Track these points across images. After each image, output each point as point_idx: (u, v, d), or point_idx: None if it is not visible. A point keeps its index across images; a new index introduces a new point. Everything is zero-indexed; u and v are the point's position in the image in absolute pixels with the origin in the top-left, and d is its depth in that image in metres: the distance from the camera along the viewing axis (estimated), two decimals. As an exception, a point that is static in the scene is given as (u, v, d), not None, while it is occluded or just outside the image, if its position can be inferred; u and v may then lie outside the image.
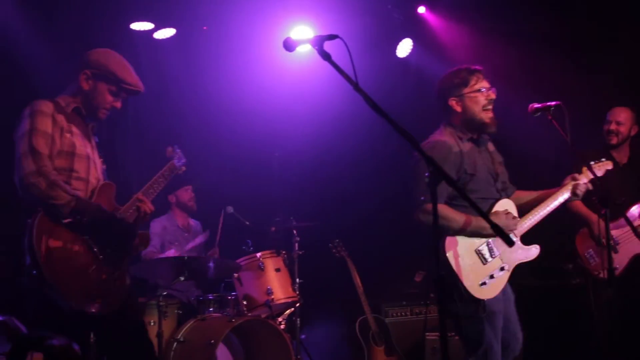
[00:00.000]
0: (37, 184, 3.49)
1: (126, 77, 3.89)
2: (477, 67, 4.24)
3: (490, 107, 4.17)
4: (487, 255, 4.09)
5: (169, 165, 4.25)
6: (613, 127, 5.71)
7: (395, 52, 7.69)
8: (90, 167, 3.81)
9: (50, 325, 3.45)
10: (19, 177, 3.54)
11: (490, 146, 4.38)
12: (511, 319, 4.22)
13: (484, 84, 4.19)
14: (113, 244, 3.73)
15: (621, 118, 5.73)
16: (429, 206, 4.00)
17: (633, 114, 5.77)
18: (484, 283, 4.03)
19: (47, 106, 3.69)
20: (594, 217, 5.21)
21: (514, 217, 4.14)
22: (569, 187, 4.27)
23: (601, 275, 5.37)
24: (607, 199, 4.07)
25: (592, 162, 4.42)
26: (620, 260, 5.39)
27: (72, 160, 3.71)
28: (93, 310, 3.57)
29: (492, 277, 4.05)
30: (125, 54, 6.95)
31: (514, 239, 4.12)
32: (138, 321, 4.00)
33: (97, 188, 3.81)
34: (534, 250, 4.24)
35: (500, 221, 3.97)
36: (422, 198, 4.04)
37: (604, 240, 5.05)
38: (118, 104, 3.93)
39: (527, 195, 4.43)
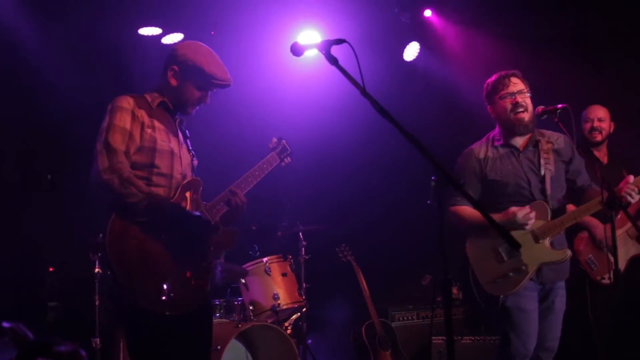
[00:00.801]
0: (109, 181, 3.36)
1: (215, 72, 3.68)
2: (507, 72, 4.35)
3: (519, 109, 4.24)
4: (504, 254, 4.15)
5: (269, 156, 4.09)
6: (596, 124, 5.70)
7: (402, 56, 7.69)
8: (174, 162, 3.64)
9: (129, 325, 3.47)
10: (92, 174, 3.41)
11: (560, 142, 4.39)
12: (545, 327, 4.25)
13: (509, 89, 4.28)
14: (191, 244, 3.56)
15: (601, 114, 5.74)
16: (451, 208, 4.33)
17: (609, 111, 5.78)
18: (496, 281, 4.13)
19: (127, 102, 3.56)
20: (594, 220, 5.20)
21: (531, 216, 4.12)
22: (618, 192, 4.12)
23: (605, 280, 5.35)
24: (615, 201, 4.02)
25: None
26: (619, 263, 5.35)
27: (153, 156, 3.55)
28: (167, 312, 3.42)
29: (506, 275, 4.12)
30: (133, 59, 7.04)
31: (542, 240, 4.16)
32: (204, 330, 3.75)
33: (182, 185, 3.65)
34: (562, 254, 4.20)
35: (510, 219, 4.08)
36: (428, 202, 4.08)
37: (606, 242, 5.20)
38: (207, 100, 3.77)
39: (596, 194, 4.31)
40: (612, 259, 5.20)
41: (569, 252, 4.20)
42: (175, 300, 3.44)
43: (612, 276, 5.19)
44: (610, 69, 6.78)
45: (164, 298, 3.39)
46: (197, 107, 3.80)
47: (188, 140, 3.87)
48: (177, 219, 3.52)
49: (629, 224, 5.34)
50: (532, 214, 4.13)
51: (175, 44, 3.82)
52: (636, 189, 4.05)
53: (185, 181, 3.68)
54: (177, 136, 3.75)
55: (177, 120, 3.81)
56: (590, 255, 5.40)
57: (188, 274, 3.53)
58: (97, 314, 5.73)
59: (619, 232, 5.34)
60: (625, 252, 5.36)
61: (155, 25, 6.93)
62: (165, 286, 3.41)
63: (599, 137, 5.70)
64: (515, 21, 7.08)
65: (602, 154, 5.77)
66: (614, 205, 3.82)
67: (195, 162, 3.87)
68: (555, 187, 4.31)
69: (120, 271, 3.35)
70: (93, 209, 3.66)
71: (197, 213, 3.62)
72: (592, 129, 5.70)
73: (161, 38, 7.02)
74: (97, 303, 5.74)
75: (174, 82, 3.70)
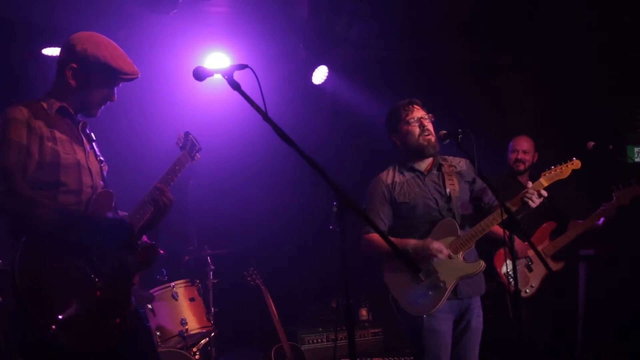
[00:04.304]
0: (7, 206, 3.01)
1: (122, 65, 3.31)
2: (408, 100, 4.42)
3: (426, 133, 4.33)
4: (422, 274, 4.17)
5: (180, 156, 3.70)
6: (520, 156, 6.14)
7: (311, 79, 7.73)
8: (82, 175, 3.25)
9: None
10: None
11: (462, 165, 4.49)
12: (462, 348, 4.25)
13: (415, 115, 4.36)
14: (112, 262, 3.17)
15: (526, 147, 6.17)
16: (365, 237, 4.30)
17: (534, 142, 6.22)
18: (417, 301, 4.14)
19: (20, 112, 3.14)
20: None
21: (444, 253, 4.17)
22: (519, 198, 4.20)
23: (523, 293, 5.61)
24: (512, 223, 4.11)
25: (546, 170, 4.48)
26: (535, 279, 5.70)
27: (57, 173, 3.16)
28: (95, 349, 3.06)
29: (426, 295, 4.15)
30: (37, 79, 6.83)
31: (454, 255, 4.19)
32: (149, 352, 3.43)
33: (93, 199, 3.27)
34: (476, 265, 4.26)
35: (425, 246, 4.12)
36: (330, 227, 4.18)
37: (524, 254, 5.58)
38: (113, 97, 3.37)
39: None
40: (528, 273, 5.54)
41: (482, 263, 4.26)
42: (99, 334, 3.09)
43: (527, 290, 5.64)
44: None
45: (88, 334, 3.04)
46: (103, 107, 3.43)
47: (94, 144, 3.49)
48: (94, 230, 3.17)
49: (545, 243, 5.74)
50: (445, 252, 4.16)
51: (70, 37, 3.34)
52: (536, 193, 4.15)
53: (94, 195, 3.31)
54: (82, 144, 3.37)
55: (80, 124, 3.43)
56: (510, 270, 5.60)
57: (110, 302, 3.16)
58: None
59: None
60: (539, 270, 5.66)
61: (59, 46, 6.76)
62: (88, 320, 3.05)
63: (522, 167, 6.14)
64: (418, 47, 7.34)
65: (525, 180, 6.03)
66: (511, 226, 3.91)
67: (105, 169, 3.50)
68: (461, 206, 4.39)
69: (33, 307, 2.93)
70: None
71: (118, 217, 3.30)
72: (517, 160, 6.14)
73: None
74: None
75: (74, 82, 3.31)
